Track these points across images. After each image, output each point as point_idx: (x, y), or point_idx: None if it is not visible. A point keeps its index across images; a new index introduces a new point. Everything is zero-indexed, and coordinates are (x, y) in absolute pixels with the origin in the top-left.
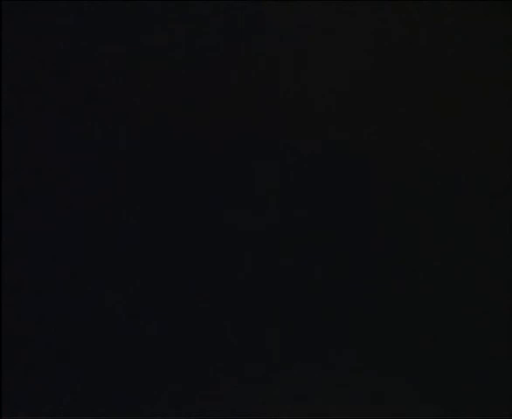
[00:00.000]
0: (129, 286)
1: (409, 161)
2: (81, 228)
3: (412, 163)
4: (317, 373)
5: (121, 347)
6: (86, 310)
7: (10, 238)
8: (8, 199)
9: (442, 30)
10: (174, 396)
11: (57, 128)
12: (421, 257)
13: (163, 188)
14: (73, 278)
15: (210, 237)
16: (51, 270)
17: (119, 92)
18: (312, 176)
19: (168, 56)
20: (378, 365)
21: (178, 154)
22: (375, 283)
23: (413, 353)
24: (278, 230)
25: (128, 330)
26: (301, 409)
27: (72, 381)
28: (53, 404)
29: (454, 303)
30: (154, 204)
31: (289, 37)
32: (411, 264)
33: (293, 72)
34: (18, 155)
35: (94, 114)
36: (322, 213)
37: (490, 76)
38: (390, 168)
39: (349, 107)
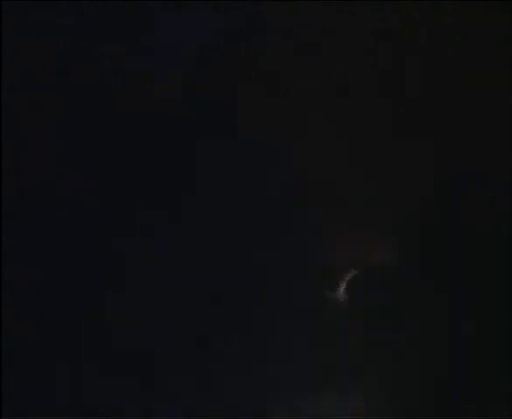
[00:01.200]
0: (130, 286)
1: (408, 160)
2: (81, 228)
3: (412, 162)
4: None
5: (122, 347)
6: (86, 310)
7: (11, 238)
8: (8, 199)
9: (442, 30)
10: (174, 396)
11: (57, 128)
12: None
13: (163, 189)
14: (73, 278)
15: (208, 240)
16: (51, 270)
17: (119, 92)
18: (313, 175)
19: (168, 57)
20: (377, 364)
21: (177, 153)
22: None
23: (412, 352)
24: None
25: (128, 330)
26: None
27: (72, 381)
28: (53, 404)
29: (454, 303)
30: (154, 205)
31: (289, 37)
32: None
33: (292, 72)
34: (18, 155)
35: (94, 114)
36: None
37: (490, 76)
38: (389, 168)
39: (349, 107)
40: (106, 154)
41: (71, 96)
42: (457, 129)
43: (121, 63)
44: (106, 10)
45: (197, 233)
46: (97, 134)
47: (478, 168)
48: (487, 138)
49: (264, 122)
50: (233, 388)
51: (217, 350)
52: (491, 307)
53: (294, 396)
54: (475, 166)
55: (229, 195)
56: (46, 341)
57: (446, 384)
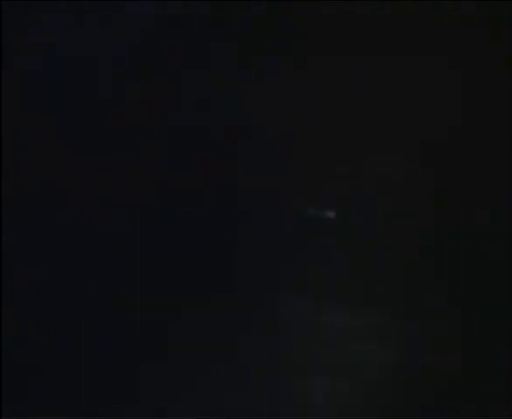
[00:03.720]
0: (129, 287)
1: (408, 162)
2: (81, 228)
3: (414, 164)
4: None
5: (121, 348)
6: (85, 310)
7: (11, 238)
8: (8, 199)
9: (442, 29)
10: (174, 396)
11: (56, 128)
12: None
13: (163, 189)
14: (73, 278)
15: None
16: (51, 270)
17: (118, 90)
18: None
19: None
20: (377, 364)
21: (175, 150)
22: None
23: (413, 352)
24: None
25: (128, 330)
26: None
27: (72, 381)
28: (53, 404)
29: (455, 303)
30: (153, 207)
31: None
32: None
33: (294, 72)
34: (18, 155)
35: (94, 114)
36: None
37: (490, 76)
38: (386, 168)
39: (350, 108)
40: (105, 154)
41: (70, 96)
42: (457, 128)
43: (121, 61)
44: (105, 10)
45: None
46: (96, 135)
47: (478, 168)
48: (488, 138)
49: None
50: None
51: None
52: (491, 308)
53: None
54: (476, 167)
55: None
56: (46, 341)
57: (446, 384)
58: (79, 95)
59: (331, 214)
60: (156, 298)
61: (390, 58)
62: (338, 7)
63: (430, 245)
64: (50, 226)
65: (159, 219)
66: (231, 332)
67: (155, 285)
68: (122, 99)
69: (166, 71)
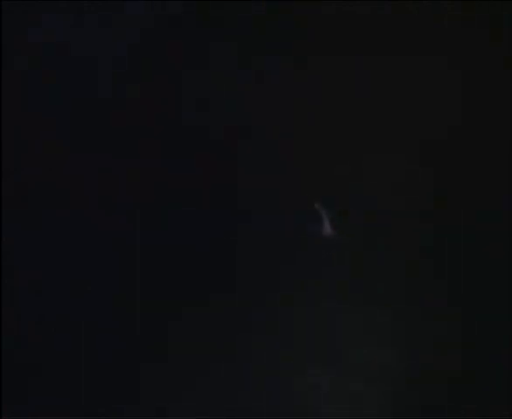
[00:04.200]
0: (129, 287)
1: (408, 162)
2: (81, 228)
3: (414, 164)
4: None
5: (121, 348)
6: (85, 310)
7: (11, 238)
8: (8, 199)
9: (442, 29)
10: (174, 396)
11: (56, 128)
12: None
13: (163, 189)
14: (73, 278)
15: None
16: (51, 270)
17: (118, 90)
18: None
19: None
20: (377, 364)
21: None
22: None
23: (413, 352)
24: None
25: (128, 330)
26: None
27: (72, 381)
28: (53, 404)
29: (455, 303)
30: (153, 207)
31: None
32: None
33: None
34: (18, 155)
35: (94, 114)
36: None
37: (490, 76)
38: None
39: (350, 108)
40: (104, 155)
41: (70, 95)
42: (457, 129)
43: (120, 61)
44: (105, 10)
45: None
46: (96, 135)
47: (479, 168)
48: (488, 139)
49: None
50: None
51: None
52: (491, 308)
53: None
54: (477, 168)
55: None
56: (46, 341)
57: (446, 384)
58: (79, 95)
59: (330, 215)
60: (156, 298)
61: (390, 58)
62: (338, 7)
63: (430, 245)
64: (50, 226)
65: (159, 219)
66: (231, 332)
67: (155, 285)
68: (122, 99)
69: (166, 71)
